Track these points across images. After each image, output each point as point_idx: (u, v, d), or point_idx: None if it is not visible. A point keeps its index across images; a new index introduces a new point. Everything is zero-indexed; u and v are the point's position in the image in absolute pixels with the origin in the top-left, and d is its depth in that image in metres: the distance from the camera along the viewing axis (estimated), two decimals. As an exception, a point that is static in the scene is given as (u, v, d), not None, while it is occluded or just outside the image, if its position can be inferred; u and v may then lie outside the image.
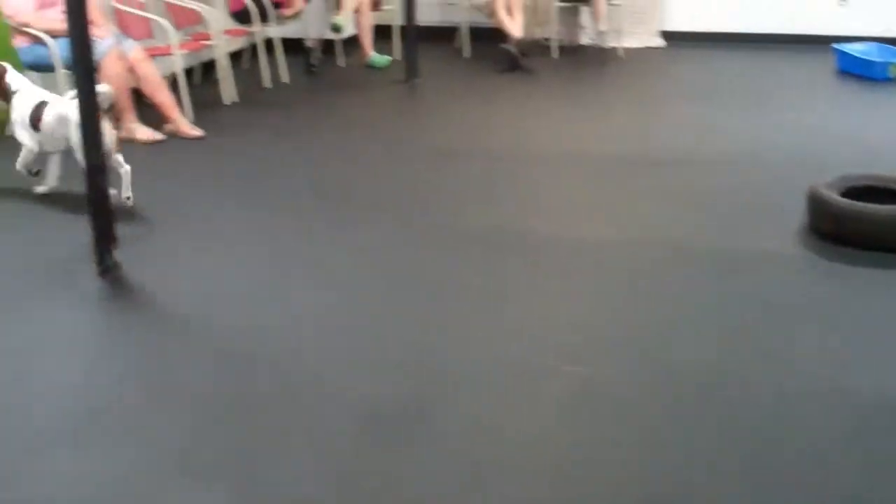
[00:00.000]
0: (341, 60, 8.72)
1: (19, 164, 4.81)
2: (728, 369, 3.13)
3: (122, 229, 3.93)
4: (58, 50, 5.55)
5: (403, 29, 8.05)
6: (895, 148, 5.74)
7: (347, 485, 2.54)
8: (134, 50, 5.95)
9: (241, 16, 7.55)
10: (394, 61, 8.51)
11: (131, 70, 5.90)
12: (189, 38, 6.95)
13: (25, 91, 4.80)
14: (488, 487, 2.53)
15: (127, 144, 5.72)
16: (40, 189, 4.85)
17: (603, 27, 8.93)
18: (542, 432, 2.80)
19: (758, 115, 6.66)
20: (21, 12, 5.69)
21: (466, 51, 9.02)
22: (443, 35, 9.29)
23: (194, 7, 6.98)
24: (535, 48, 8.82)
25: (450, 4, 9.42)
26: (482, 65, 8.45)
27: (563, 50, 8.98)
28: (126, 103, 5.85)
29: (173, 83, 6.37)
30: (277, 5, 7.83)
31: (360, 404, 2.93)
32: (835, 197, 4.19)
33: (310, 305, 3.66)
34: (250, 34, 7.66)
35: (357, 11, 8.39)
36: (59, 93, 5.08)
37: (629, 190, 5.04)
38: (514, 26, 8.38)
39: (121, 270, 3.89)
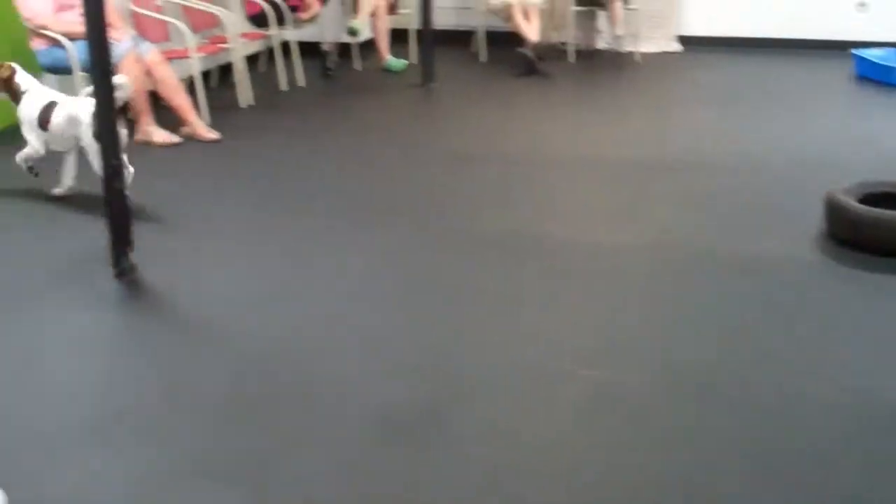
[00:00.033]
0: (358, 64, 8.72)
1: (19, 156, 4.84)
2: (746, 374, 3.11)
3: (138, 231, 3.93)
4: (76, 52, 5.56)
5: (420, 33, 8.05)
6: (914, 154, 5.71)
7: (364, 488, 2.54)
8: (151, 53, 5.96)
9: (258, 19, 7.57)
10: (410, 65, 8.52)
11: (148, 73, 5.91)
12: (206, 41, 6.97)
13: (35, 91, 4.83)
14: (505, 491, 2.52)
15: (144, 147, 5.76)
16: (56, 191, 4.87)
17: (620, 31, 8.91)
18: (558, 436, 2.79)
19: (775, 120, 6.64)
20: (39, 15, 5.71)
21: (483, 55, 9.01)
22: (459, 39, 9.29)
23: (211, 10, 6.99)
24: (551, 52, 8.81)
25: (466, 8, 9.41)
26: (499, 69, 8.45)
27: (580, 54, 8.97)
28: (143, 106, 5.86)
29: (190, 86, 6.39)
30: (294, 9, 7.84)
31: (377, 408, 2.92)
32: (852, 203, 4.17)
33: (326, 308, 3.66)
34: (267, 37, 7.67)
35: (373, 15, 8.40)
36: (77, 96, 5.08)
37: (646, 194, 5.02)
38: (531, 30, 8.37)
39: (137, 272, 3.90)
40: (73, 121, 4.61)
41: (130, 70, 5.64)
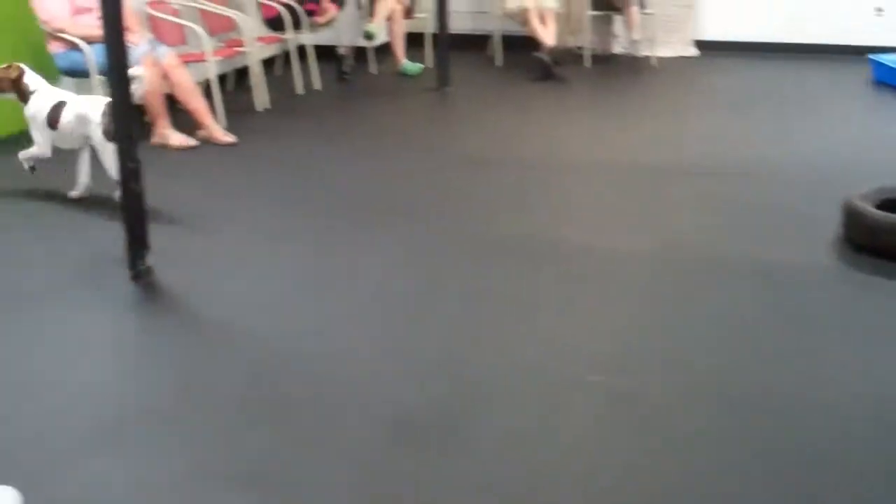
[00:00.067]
0: (373, 68, 8.73)
1: (23, 154, 4.90)
2: (762, 381, 3.10)
3: (154, 233, 3.94)
4: (93, 56, 5.58)
5: (436, 37, 8.06)
6: (932, 159, 5.69)
7: (378, 492, 2.53)
8: (168, 56, 5.98)
9: (275, 23, 7.59)
10: (426, 69, 8.53)
11: (165, 76, 5.93)
12: (222, 44, 6.99)
13: (43, 91, 4.86)
14: (520, 497, 2.50)
15: (160, 150, 5.78)
16: (73, 193, 4.88)
17: (636, 36, 8.90)
18: (573, 441, 2.78)
19: (792, 125, 6.61)
20: (57, 18, 5.73)
21: (499, 59, 9.02)
22: (475, 43, 9.30)
23: (228, 14, 7.01)
24: (567, 57, 8.80)
25: (482, 12, 9.42)
26: (514, 73, 8.45)
27: (596, 59, 8.96)
28: (160, 109, 5.88)
29: (206, 89, 6.40)
30: (310, 13, 7.86)
31: (392, 412, 2.91)
32: (870, 208, 4.15)
33: (342, 311, 3.66)
34: (283, 41, 7.69)
35: (389, 19, 8.42)
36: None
37: (662, 199, 5.01)
38: (547, 35, 8.37)
39: (153, 275, 3.90)
40: (82, 119, 4.65)
41: (147, 73, 5.66)
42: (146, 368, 3.29)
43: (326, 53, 8.13)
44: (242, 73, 7.41)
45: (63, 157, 4.90)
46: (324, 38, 8.16)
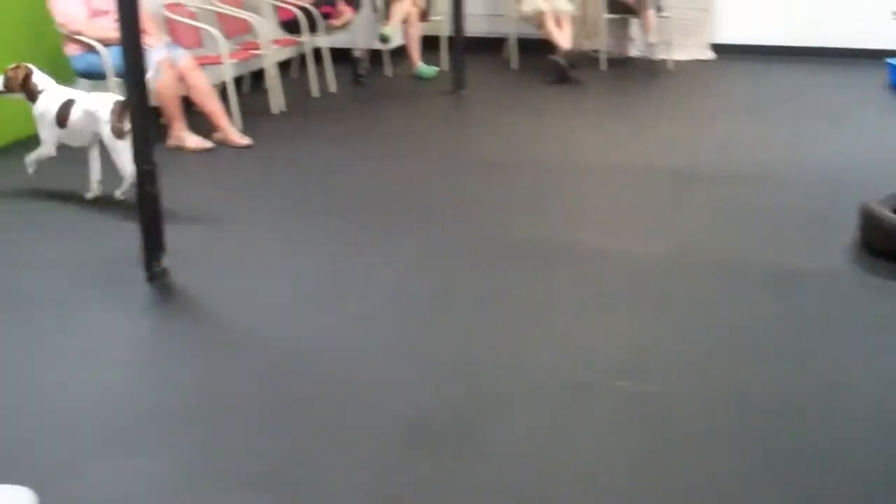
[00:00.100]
0: (389, 71, 8.74)
1: (30, 158, 4.94)
2: (779, 386, 3.08)
3: (170, 235, 3.94)
4: (110, 58, 5.60)
5: (451, 40, 8.05)
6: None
7: (392, 496, 2.53)
8: (184, 59, 5.99)
9: (291, 26, 7.59)
10: (441, 72, 8.52)
11: (181, 79, 5.94)
12: (238, 47, 7.00)
13: (52, 90, 4.89)
14: (536, 502, 2.50)
15: (176, 152, 5.79)
16: (89, 195, 4.90)
17: (652, 39, 8.86)
18: (589, 446, 2.77)
19: (809, 129, 6.59)
20: (74, 20, 5.75)
21: (514, 62, 9.01)
22: (491, 46, 9.29)
23: (244, 17, 7.03)
24: (583, 60, 8.79)
25: (498, 15, 9.41)
26: (530, 76, 8.44)
27: (612, 62, 8.94)
28: (176, 111, 5.89)
29: (223, 92, 6.41)
30: (326, 15, 7.86)
31: (407, 415, 2.91)
32: (887, 213, 4.13)
33: (356, 314, 3.65)
34: (299, 44, 7.69)
35: (405, 22, 8.42)
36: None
37: (678, 203, 4.99)
38: (563, 38, 8.36)
39: (168, 276, 3.91)
40: (91, 116, 4.69)
41: (164, 75, 5.68)
42: (161, 370, 3.29)
43: (342, 56, 8.13)
44: (258, 76, 7.42)
45: (76, 157, 4.93)
46: (339, 40, 8.17)
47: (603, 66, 8.84)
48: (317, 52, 7.70)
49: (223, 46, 6.47)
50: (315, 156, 5.97)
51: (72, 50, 5.84)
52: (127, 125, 4.54)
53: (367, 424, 2.87)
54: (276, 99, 7.04)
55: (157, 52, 5.63)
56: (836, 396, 3.02)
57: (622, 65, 9.05)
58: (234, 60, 6.70)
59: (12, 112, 5.15)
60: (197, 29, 6.66)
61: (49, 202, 4.94)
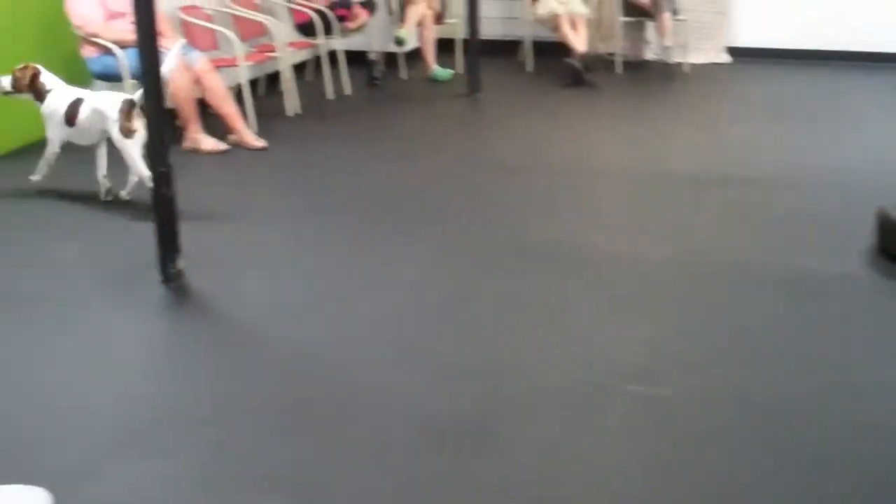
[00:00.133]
0: (404, 73, 8.74)
1: (42, 165, 5.01)
2: (792, 393, 3.07)
3: (185, 237, 3.95)
4: (126, 60, 5.61)
5: (466, 42, 8.04)
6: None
7: (408, 499, 2.53)
8: (200, 61, 6.00)
9: (306, 28, 7.60)
10: (456, 75, 8.51)
11: (197, 81, 5.96)
12: (254, 49, 7.01)
13: (60, 90, 4.95)
14: (548, 506, 2.50)
15: (192, 154, 5.81)
16: (103, 192, 4.92)
17: (668, 42, 8.84)
18: (604, 451, 2.76)
19: (825, 133, 6.56)
20: (90, 23, 5.77)
21: (529, 65, 8.99)
22: (506, 49, 9.28)
23: (260, 19, 7.04)
24: (599, 63, 8.76)
25: (513, 18, 9.40)
26: (545, 79, 8.43)
27: (628, 65, 8.92)
28: (191, 114, 5.91)
29: (238, 94, 6.43)
30: (342, 18, 7.87)
31: (421, 417, 2.91)
32: (904, 217, 4.11)
33: (370, 317, 3.66)
34: (314, 46, 7.70)
35: (420, 25, 8.42)
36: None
37: (693, 207, 4.98)
38: (578, 41, 8.34)
39: (184, 278, 3.92)
40: (99, 114, 4.74)
41: (179, 78, 5.69)
42: (177, 371, 3.30)
43: (357, 59, 8.14)
44: (274, 78, 7.42)
45: (86, 159, 4.98)
46: (355, 43, 8.17)
47: (618, 69, 8.82)
48: (332, 55, 7.70)
49: (239, 49, 6.48)
50: (330, 158, 5.98)
51: (88, 52, 5.86)
52: (135, 124, 4.58)
53: (382, 426, 2.87)
54: (292, 101, 7.05)
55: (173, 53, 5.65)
56: (850, 402, 3.00)
57: (638, 68, 9.03)
58: (250, 63, 6.71)
59: (24, 115, 5.16)
60: (212, 31, 6.68)
61: (60, 203, 4.96)
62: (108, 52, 5.74)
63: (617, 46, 8.97)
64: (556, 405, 2.99)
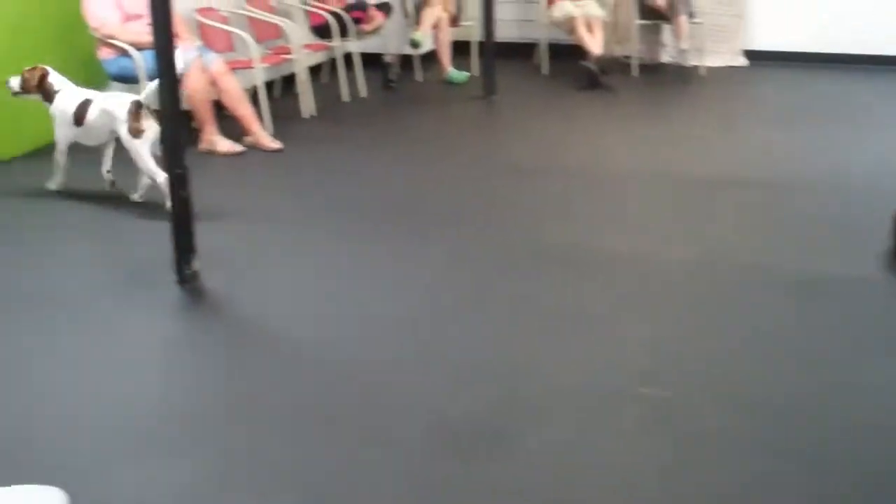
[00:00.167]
0: (419, 76, 8.74)
1: (56, 171, 5.07)
2: (808, 397, 3.05)
3: (200, 238, 3.96)
4: (142, 62, 5.63)
5: (482, 45, 8.04)
6: None
7: (422, 502, 2.52)
8: (216, 63, 6.02)
9: (322, 30, 7.62)
10: (472, 77, 8.51)
11: (213, 83, 5.97)
12: (270, 51, 7.03)
13: (68, 90, 4.99)
14: (564, 509, 2.49)
15: (207, 156, 5.82)
16: (135, 196, 4.95)
17: (684, 45, 8.81)
18: (619, 454, 2.75)
19: (842, 137, 6.53)
20: (107, 24, 5.79)
21: (545, 67, 8.98)
22: (521, 51, 9.27)
23: (276, 21, 7.05)
24: (615, 66, 8.74)
25: (529, 21, 9.39)
26: (561, 82, 8.42)
27: (644, 68, 8.90)
28: (207, 116, 5.92)
29: (254, 96, 6.44)
30: (357, 20, 7.88)
31: (436, 420, 2.90)
32: (922, 221, 4.09)
33: (385, 318, 3.65)
34: (330, 49, 7.71)
35: (436, 27, 8.42)
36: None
37: (709, 210, 4.96)
38: (594, 43, 8.32)
39: (199, 279, 3.92)
40: (107, 115, 4.79)
41: (195, 79, 5.71)
42: (191, 373, 3.30)
43: (373, 61, 8.15)
44: (289, 80, 7.45)
45: (98, 160, 5.00)
46: (370, 45, 8.18)
47: (634, 72, 8.80)
48: (347, 57, 7.71)
49: (255, 51, 6.50)
50: (345, 160, 5.98)
51: (105, 54, 5.88)
52: (143, 124, 4.61)
53: (397, 429, 2.86)
54: (307, 103, 7.06)
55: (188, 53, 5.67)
56: (864, 406, 2.98)
57: (654, 71, 9.01)
58: (266, 65, 6.73)
59: (38, 118, 5.18)
60: (229, 33, 6.69)
61: (74, 203, 4.99)
62: (124, 53, 5.76)
63: (633, 49, 8.95)
64: (571, 407, 2.99)
